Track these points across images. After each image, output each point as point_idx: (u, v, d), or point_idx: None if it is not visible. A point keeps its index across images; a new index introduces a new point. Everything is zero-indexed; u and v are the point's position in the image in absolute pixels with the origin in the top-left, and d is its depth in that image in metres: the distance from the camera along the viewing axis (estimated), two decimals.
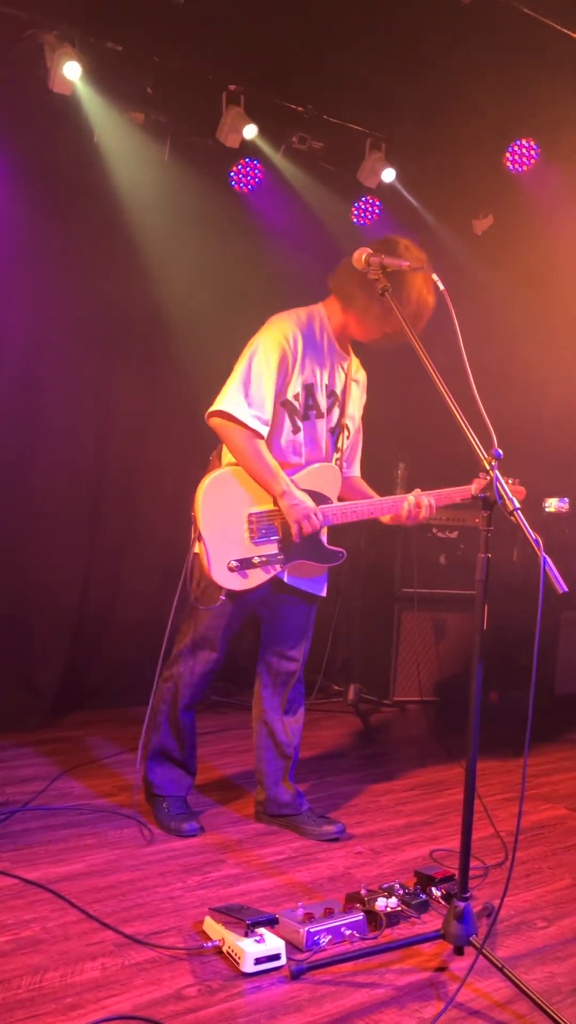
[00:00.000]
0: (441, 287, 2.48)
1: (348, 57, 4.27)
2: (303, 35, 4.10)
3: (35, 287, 4.41)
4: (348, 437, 3.20)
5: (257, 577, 2.93)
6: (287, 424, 2.99)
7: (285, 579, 3.03)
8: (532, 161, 4.82)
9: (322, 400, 3.05)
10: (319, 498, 3.01)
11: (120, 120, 4.35)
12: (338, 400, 3.12)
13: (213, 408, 2.92)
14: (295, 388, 2.97)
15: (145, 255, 4.62)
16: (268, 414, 2.92)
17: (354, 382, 3.20)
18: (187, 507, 2.85)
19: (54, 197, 4.39)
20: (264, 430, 2.91)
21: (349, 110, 4.79)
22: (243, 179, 4.82)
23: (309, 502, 2.92)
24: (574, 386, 5.38)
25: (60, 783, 3.53)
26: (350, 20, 4.03)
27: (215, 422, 2.93)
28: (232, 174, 4.81)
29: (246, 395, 2.88)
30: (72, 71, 3.99)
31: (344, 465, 3.24)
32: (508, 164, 4.86)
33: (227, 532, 2.90)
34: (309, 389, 3.00)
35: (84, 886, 2.63)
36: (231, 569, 2.88)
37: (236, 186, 4.84)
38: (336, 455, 3.15)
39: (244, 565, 2.90)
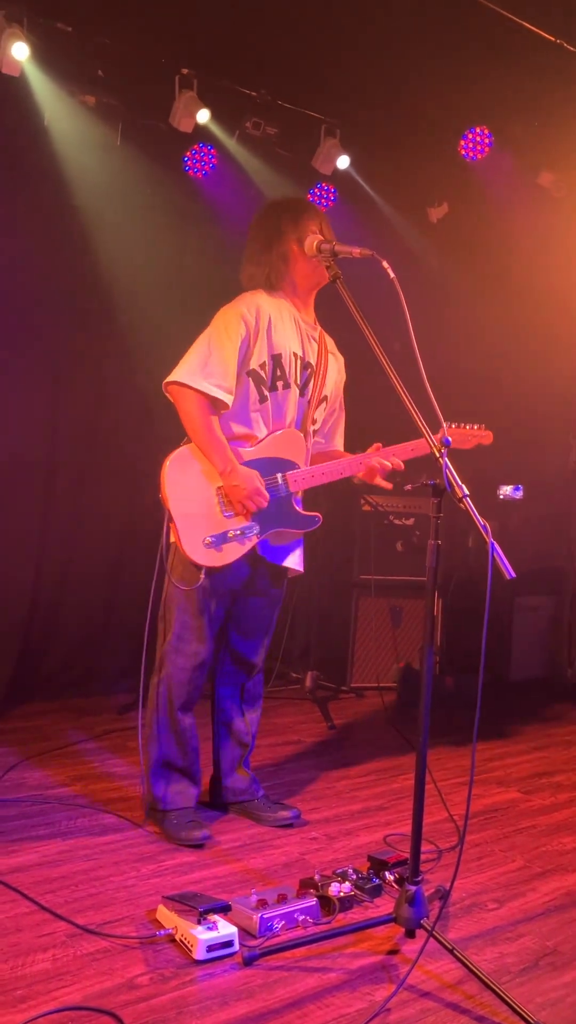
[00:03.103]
0: (392, 275, 2.46)
1: (302, 42, 4.25)
2: (257, 19, 4.06)
3: None
4: (325, 409, 3.14)
5: (234, 551, 2.87)
6: (254, 394, 2.92)
7: (259, 552, 2.95)
8: (486, 149, 4.83)
9: (292, 371, 2.98)
10: (285, 464, 2.95)
11: (70, 103, 4.29)
12: (314, 371, 3.06)
13: (169, 379, 2.85)
14: (261, 358, 2.91)
15: (97, 241, 4.57)
16: (230, 382, 2.84)
17: (331, 355, 3.15)
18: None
19: (2, 181, 4.30)
20: (227, 398, 2.84)
21: (303, 96, 4.77)
22: (197, 164, 4.78)
23: (252, 481, 2.85)
24: (528, 373, 5.43)
25: (14, 774, 3.50)
26: (304, 5, 4.00)
27: (172, 390, 2.87)
28: (186, 159, 4.76)
29: (204, 365, 2.82)
30: (20, 52, 3.93)
31: (322, 439, 3.20)
32: (462, 152, 4.86)
33: (197, 509, 2.84)
34: (277, 360, 2.94)
35: (37, 877, 2.61)
36: (207, 545, 2.83)
37: (190, 171, 4.79)
38: (313, 427, 3.08)
39: (219, 540, 2.85)
